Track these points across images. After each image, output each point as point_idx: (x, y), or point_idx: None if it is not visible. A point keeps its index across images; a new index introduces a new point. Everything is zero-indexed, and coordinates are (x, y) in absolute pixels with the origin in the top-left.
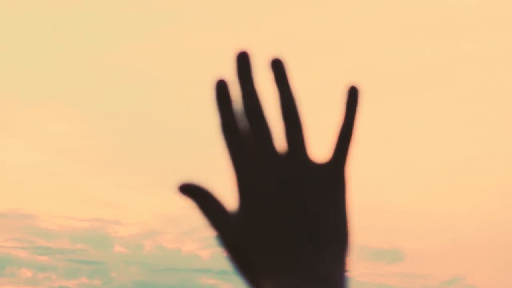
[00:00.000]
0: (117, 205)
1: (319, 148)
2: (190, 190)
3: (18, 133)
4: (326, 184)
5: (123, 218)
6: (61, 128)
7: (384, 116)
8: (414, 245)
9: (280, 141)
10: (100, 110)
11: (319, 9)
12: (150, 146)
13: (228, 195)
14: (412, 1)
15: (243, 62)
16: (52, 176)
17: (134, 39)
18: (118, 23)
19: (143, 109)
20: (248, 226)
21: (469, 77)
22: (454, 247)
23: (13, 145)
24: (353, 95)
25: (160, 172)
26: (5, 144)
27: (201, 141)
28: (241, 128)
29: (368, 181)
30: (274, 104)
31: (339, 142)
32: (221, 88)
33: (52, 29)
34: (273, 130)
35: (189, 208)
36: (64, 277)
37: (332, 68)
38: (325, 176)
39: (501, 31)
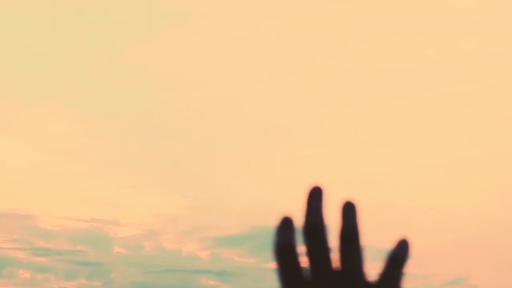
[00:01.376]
0: (117, 205)
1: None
2: None
3: (18, 133)
4: None
5: (123, 218)
6: (61, 128)
7: (384, 116)
8: (415, 245)
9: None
10: (100, 110)
11: (319, 9)
12: (150, 146)
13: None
14: (412, 1)
15: (315, 196)
16: (52, 176)
17: (134, 39)
18: (118, 23)
19: (143, 109)
20: None
21: (469, 77)
22: (456, 247)
23: (12, 145)
24: (402, 251)
25: (160, 172)
26: (5, 144)
27: (201, 141)
28: (297, 252)
29: (369, 181)
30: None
31: (389, 266)
32: (286, 222)
33: (52, 29)
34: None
35: (188, 208)
36: (63, 278)
37: (332, 68)
38: None
39: (501, 31)
